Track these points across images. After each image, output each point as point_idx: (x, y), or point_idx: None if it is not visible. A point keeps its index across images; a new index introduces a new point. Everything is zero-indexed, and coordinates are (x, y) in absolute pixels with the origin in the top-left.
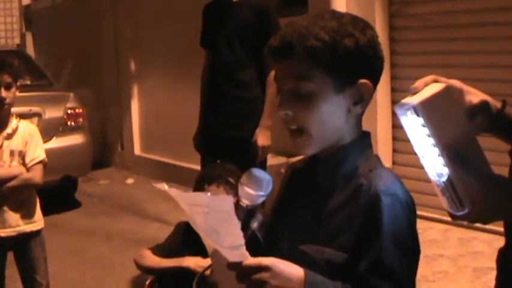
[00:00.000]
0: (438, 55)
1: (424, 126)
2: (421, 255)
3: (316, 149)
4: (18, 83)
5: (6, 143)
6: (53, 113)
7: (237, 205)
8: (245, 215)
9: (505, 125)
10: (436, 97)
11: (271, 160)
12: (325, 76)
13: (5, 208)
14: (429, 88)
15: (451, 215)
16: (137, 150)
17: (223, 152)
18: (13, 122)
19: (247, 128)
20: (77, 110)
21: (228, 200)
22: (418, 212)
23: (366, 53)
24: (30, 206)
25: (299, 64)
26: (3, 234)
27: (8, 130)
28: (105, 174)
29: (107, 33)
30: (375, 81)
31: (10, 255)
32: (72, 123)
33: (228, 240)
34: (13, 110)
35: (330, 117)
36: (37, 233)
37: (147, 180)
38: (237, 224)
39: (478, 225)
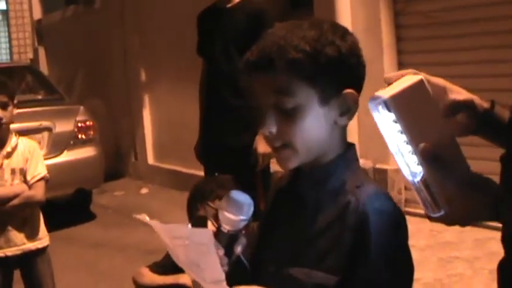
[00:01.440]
0: (445, 52)
1: (396, 122)
2: (435, 258)
3: (301, 163)
4: (15, 101)
5: (6, 161)
6: (63, 126)
7: (219, 231)
8: (227, 240)
9: (493, 126)
10: (409, 90)
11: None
12: (309, 89)
13: (9, 227)
14: (403, 80)
15: (428, 217)
16: (151, 160)
17: (223, 162)
18: (12, 140)
19: (247, 137)
20: (87, 123)
21: (207, 233)
22: None
23: (348, 61)
24: (34, 223)
25: (280, 78)
26: (9, 253)
27: (8, 149)
28: (120, 185)
29: (116, 44)
30: (359, 89)
31: (17, 273)
32: (83, 136)
33: (208, 274)
34: (23, 125)
35: (316, 130)
36: (43, 250)
37: (162, 189)
38: (216, 259)
39: (494, 224)
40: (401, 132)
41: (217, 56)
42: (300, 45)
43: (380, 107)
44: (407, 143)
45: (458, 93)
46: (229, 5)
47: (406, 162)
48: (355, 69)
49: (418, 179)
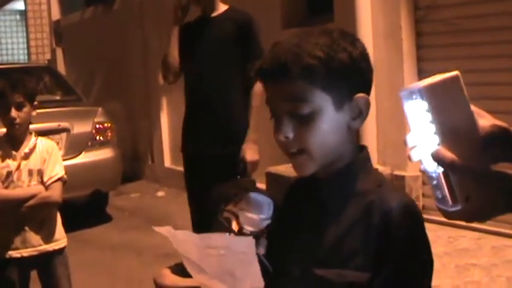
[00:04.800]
0: (467, 60)
1: (427, 111)
2: (453, 265)
3: (317, 168)
4: (34, 102)
5: (24, 162)
6: (81, 128)
7: (241, 233)
8: None
9: None
10: (446, 83)
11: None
12: (324, 94)
13: (26, 228)
14: (439, 75)
15: (442, 212)
16: (167, 163)
17: (206, 171)
18: (31, 141)
19: (231, 146)
20: (105, 125)
21: (249, 241)
22: (449, 221)
23: (359, 66)
24: (51, 224)
25: (296, 85)
26: (25, 254)
27: (26, 149)
28: (136, 187)
29: (135, 47)
30: (368, 92)
31: (34, 274)
32: (101, 137)
33: (247, 282)
34: (41, 126)
35: (332, 135)
36: (60, 251)
37: (178, 192)
38: (257, 266)
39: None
40: (431, 122)
41: (203, 66)
42: (313, 51)
43: (414, 96)
44: (435, 134)
45: (484, 118)
46: (214, 14)
47: (431, 153)
48: (366, 73)
49: (440, 170)
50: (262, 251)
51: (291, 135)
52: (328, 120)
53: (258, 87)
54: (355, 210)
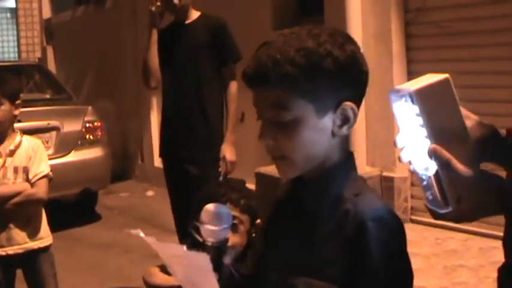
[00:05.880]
0: (456, 62)
1: (418, 115)
2: (440, 266)
3: (299, 173)
4: (16, 101)
5: (9, 160)
6: (71, 126)
7: (204, 245)
8: (214, 253)
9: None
10: (436, 86)
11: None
12: (306, 103)
13: (11, 225)
14: (428, 76)
15: (432, 213)
16: (157, 163)
17: (186, 174)
18: (16, 138)
19: (210, 149)
20: (95, 124)
21: (204, 257)
22: (437, 222)
23: (346, 71)
24: (36, 222)
25: (276, 93)
26: (10, 252)
27: (11, 147)
28: (126, 186)
29: (126, 46)
30: (360, 96)
31: (19, 273)
32: (91, 136)
33: None
34: (31, 124)
35: (313, 142)
36: (45, 249)
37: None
38: (214, 282)
39: (499, 233)
40: (422, 126)
41: (180, 72)
42: (295, 58)
43: (404, 99)
44: (426, 137)
45: (470, 119)
46: (188, 21)
47: (422, 156)
48: (355, 78)
49: (430, 173)
50: (228, 260)
51: (271, 141)
52: (310, 128)
53: (233, 88)
54: (332, 218)
